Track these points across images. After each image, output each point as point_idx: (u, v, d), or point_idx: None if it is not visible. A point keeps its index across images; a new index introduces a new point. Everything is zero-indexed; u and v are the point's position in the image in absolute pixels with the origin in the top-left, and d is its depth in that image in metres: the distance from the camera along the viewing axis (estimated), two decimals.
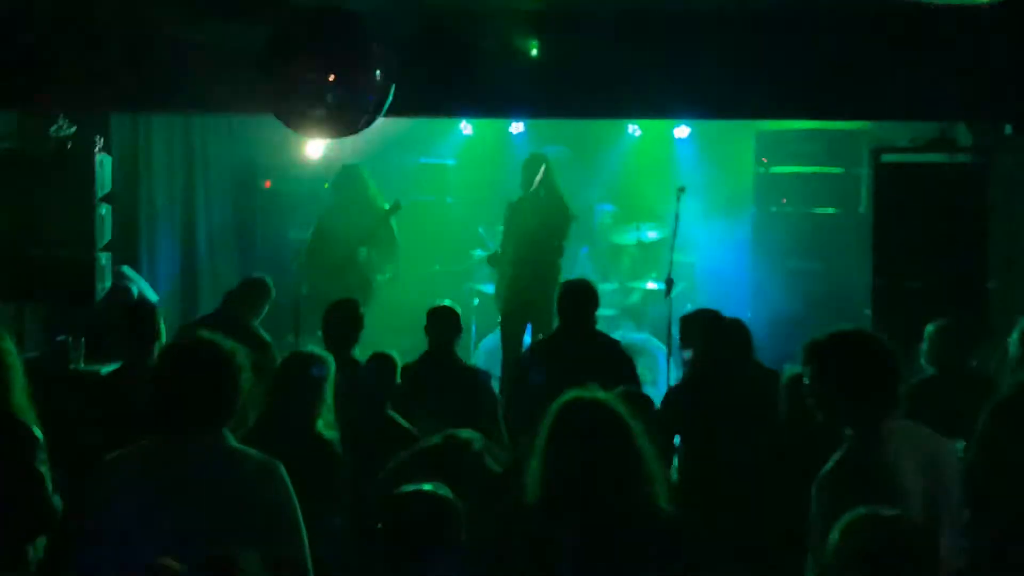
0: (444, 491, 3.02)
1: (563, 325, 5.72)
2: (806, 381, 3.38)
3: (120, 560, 2.91)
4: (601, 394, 3.20)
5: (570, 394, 3.20)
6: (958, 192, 6.68)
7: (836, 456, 3.25)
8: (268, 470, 3.04)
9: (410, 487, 3.02)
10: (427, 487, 3.01)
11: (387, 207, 8.27)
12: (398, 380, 5.04)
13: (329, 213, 8.36)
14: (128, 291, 7.37)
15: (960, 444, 4.49)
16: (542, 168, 7.86)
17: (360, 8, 5.61)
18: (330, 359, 4.54)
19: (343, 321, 5.80)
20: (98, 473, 3.09)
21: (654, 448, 3.18)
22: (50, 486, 3.94)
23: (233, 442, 3.07)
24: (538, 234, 7.77)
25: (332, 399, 4.49)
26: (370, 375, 5.02)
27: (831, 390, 3.32)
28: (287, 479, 3.05)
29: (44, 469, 3.92)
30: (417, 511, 2.95)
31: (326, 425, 4.40)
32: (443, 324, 5.75)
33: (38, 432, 3.97)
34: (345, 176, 8.48)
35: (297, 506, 3.05)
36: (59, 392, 4.97)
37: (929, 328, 5.43)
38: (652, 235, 9.27)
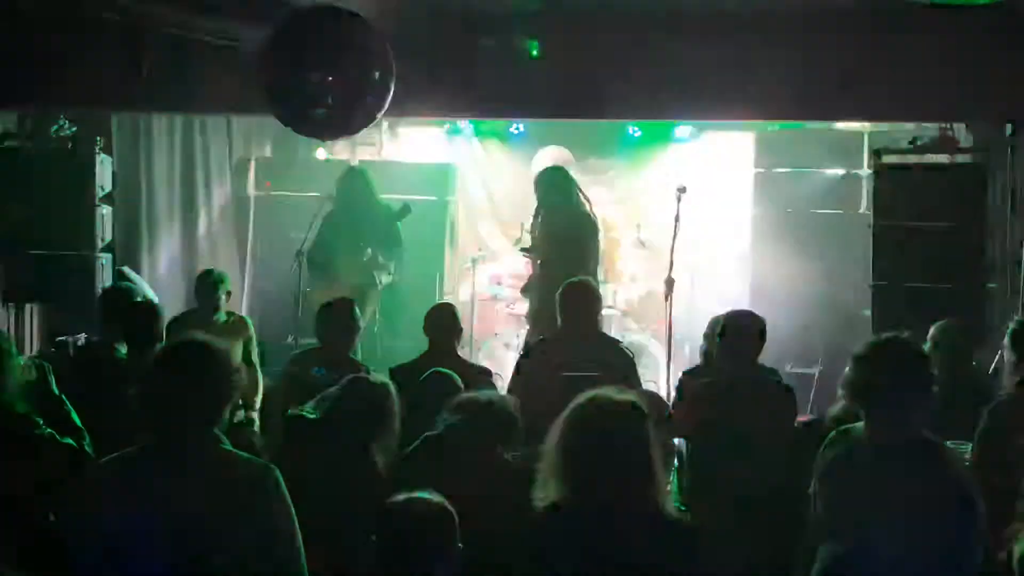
0: (438, 498, 3.01)
1: (565, 325, 5.71)
2: (841, 390, 3.41)
3: (114, 563, 2.89)
4: (620, 395, 3.14)
5: (588, 394, 3.14)
6: (958, 192, 6.68)
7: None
8: (262, 474, 3.00)
9: (404, 496, 3.01)
10: (422, 495, 3.00)
11: (395, 209, 8.24)
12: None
13: (332, 214, 8.34)
14: (128, 291, 7.36)
15: (964, 447, 4.50)
16: (563, 181, 7.43)
17: (359, 8, 5.60)
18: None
19: (337, 321, 5.78)
20: (91, 475, 3.07)
21: (662, 454, 3.16)
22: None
23: (227, 445, 3.03)
24: (567, 257, 6.96)
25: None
26: (430, 391, 4.81)
27: (882, 400, 3.33)
28: (282, 484, 3.01)
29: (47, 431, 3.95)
30: (414, 519, 2.95)
31: None
32: (442, 323, 5.75)
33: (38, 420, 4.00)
34: (348, 177, 8.46)
35: (292, 512, 3.01)
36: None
37: (932, 329, 5.42)
38: (652, 235, 9.26)
